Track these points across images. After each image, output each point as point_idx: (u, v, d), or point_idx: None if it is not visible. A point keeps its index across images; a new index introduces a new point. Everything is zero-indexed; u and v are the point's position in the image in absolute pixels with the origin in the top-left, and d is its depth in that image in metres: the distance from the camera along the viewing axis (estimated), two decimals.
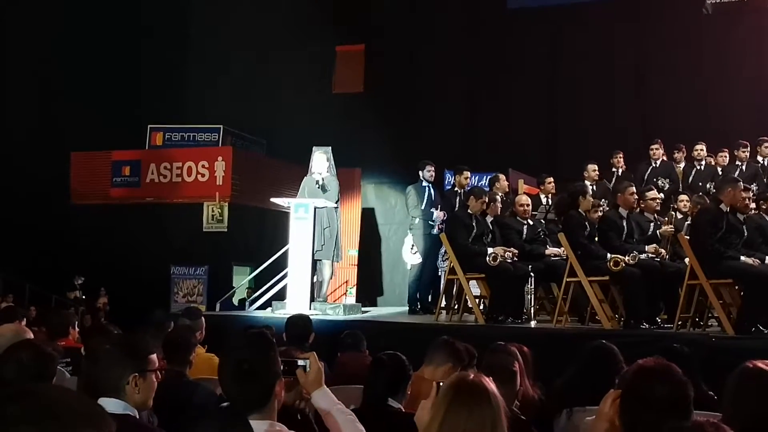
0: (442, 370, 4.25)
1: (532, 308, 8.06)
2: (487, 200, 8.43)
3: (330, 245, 9.11)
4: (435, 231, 9.53)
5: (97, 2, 15.76)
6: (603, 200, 9.05)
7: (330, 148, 9.47)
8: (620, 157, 10.57)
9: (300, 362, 3.09)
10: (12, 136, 14.95)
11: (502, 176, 9.90)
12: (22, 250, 14.26)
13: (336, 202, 9.22)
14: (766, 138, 10.19)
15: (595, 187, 9.76)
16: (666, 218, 8.50)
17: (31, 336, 4.41)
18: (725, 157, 10.38)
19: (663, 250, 7.63)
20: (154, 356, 3.07)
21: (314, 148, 9.48)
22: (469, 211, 8.37)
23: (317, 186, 9.11)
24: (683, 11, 13.16)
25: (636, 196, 7.85)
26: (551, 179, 10.09)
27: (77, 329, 6.27)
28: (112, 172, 15.28)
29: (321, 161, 9.24)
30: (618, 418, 2.56)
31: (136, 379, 2.92)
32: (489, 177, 10.39)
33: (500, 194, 9.25)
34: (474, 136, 14.26)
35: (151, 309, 6.92)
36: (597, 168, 10.08)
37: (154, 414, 3.37)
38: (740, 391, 2.64)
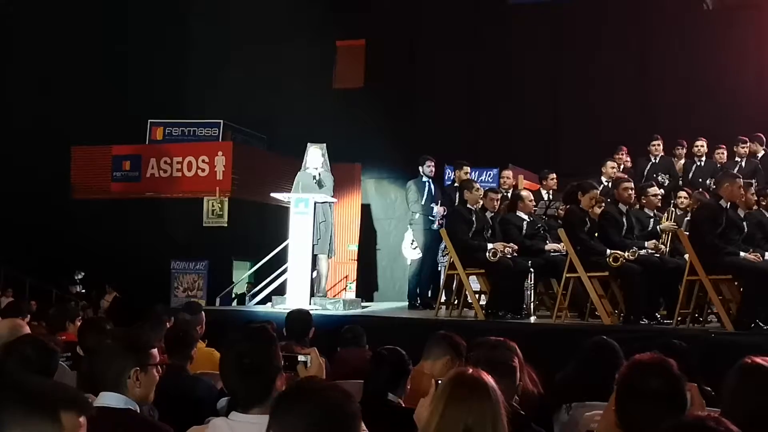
0: (441, 363, 4.27)
1: (532, 304, 8.07)
2: (479, 188, 8.47)
3: (325, 240, 9.14)
4: (435, 226, 9.54)
5: None
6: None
7: (325, 144, 9.49)
8: (623, 153, 10.58)
9: (301, 357, 3.10)
10: (12, 131, 14.94)
11: (507, 171, 9.97)
12: (23, 244, 14.26)
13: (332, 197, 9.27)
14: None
15: (610, 184, 9.73)
16: (666, 214, 8.50)
17: (28, 330, 4.44)
18: (723, 153, 10.39)
19: (663, 246, 7.64)
20: (155, 351, 3.09)
21: (309, 144, 9.50)
22: (468, 205, 8.39)
23: (314, 181, 9.12)
24: (684, 6, 13.14)
25: (631, 192, 7.83)
26: (554, 175, 10.10)
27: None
28: (112, 166, 15.27)
29: (316, 157, 9.27)
30: (614, 412, 2.58)
31: (137, 373, 2.93)
32: (493, 172, 10.45)
33: (503, 191, 9.32)
34: (474, 132, 14.25)
35: (151, 304, 6.94)
36: (616, 166, 10.08)
37: (155, 408, 3.38)
38: (739, 387, 2.65)
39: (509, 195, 9.52)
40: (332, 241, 9.35)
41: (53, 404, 1.71)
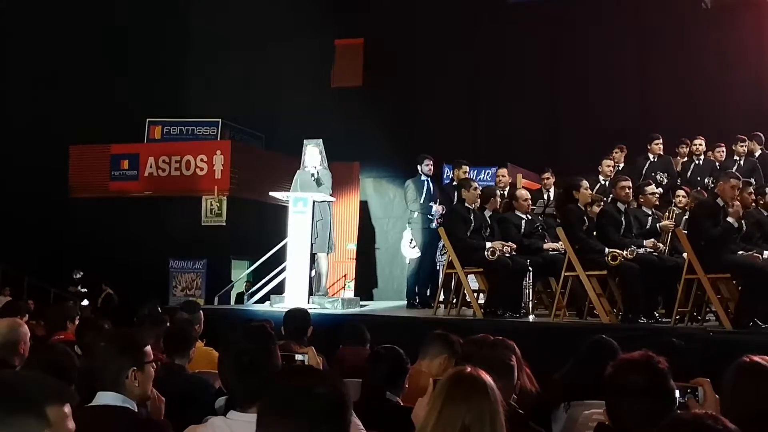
0: (438, 362, 4.28)
1: (531, 302, 8.07)
2: (477, 186, 8.49)
3: (323, 238, 9.13)
4: (434, 225, 9.55)
5: None
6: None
7: (321, 140, 9.47)
8: (618, 152, 10.59)
9: (299, 356, 3.11)
10: (11, 130, 14.93)
11: (502, 170, 9.98)
12: (21, 243, 14.26)
13: (330, 195, 9.25)
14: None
15: (608, 183, 9.74)
16: (666, 213, 8.50)
17: (26, 330, 4.44)
18: (722, 152, 10.39)
19: (661, 245, 7.64)
20: (149, 348, 3.10)
21: (305, 142, 9.48)
22: (466, 204, 8.39)
23: (313, 179, 9.11)
24: (683, 6, 13.15)
25: (628, 190, 7.84)
26: (549, 174, 10.14)
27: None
28: (110, 165, 15.27)
29: (314, 154, 9.26)
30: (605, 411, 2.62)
31: (135, 372, 2.96)
32: (491, 171, 10.45)
33: (499, 189, 9.32)
34: (473, 130, 14.26)
35: (146, 302, 6.92)
36: (612, 164, 10.09)
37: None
38: (737, 385, 2.66)
39: (506, 193, 9.55)
40: (331, 238, 9.34)
41: (37, 400, 1.66)
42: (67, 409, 1.72)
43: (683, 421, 1.88)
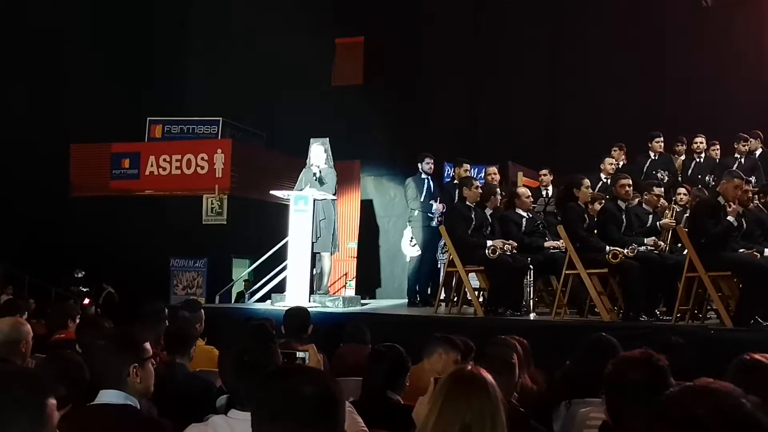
0: (436, 357, 4.29)
1: (531, 301, 8.07)
2: (478, 185, 8.49)
3: (327, 237, 9.12)
4: (434, 223, 9.55)
5: None
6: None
7: (327, 139, 9.47)
8: (616, 150, 10.58)
9: (300, 354, 3.11)
10: (12, 129, 14.92)
11: (491, 168, 9.98)
12: (22, 242, 14.26)
13: (333, 194, 9.23)
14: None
15: (609, 181, 9.73)
16: (667, 211, 8.50)
17: (29, 329, 4.45)
18: (717, 150, 10.37)
19: (662, 243, 7.64)
20: (147, 344, 3.12)
21: (312, 140, 9.49)
22: (467, 202, 8.39)
23: (315, 178, 9.11)
24: (683, 3, 13.14)
25: (628, 188, 7.83)
26: (546, 171, 10.14)
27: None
28: (111, 164, 15.27)
29: (318, 153, 9.25)
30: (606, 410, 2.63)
31: (136, 369, 2.98)
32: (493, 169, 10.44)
33: (497, 186, 9.31)
34: (474, 129, 14.25)
35: (146, 300, 6.92)
36: (614, 162, 10.08)
37: (154, 405, 3.40)
38: (738, 384, 2.65)
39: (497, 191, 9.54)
40: (335, 237, 9.33)
41: (35, 393, 1.72)
42: (54, 401, 1.77)
43: (692, 389, 1.74)
